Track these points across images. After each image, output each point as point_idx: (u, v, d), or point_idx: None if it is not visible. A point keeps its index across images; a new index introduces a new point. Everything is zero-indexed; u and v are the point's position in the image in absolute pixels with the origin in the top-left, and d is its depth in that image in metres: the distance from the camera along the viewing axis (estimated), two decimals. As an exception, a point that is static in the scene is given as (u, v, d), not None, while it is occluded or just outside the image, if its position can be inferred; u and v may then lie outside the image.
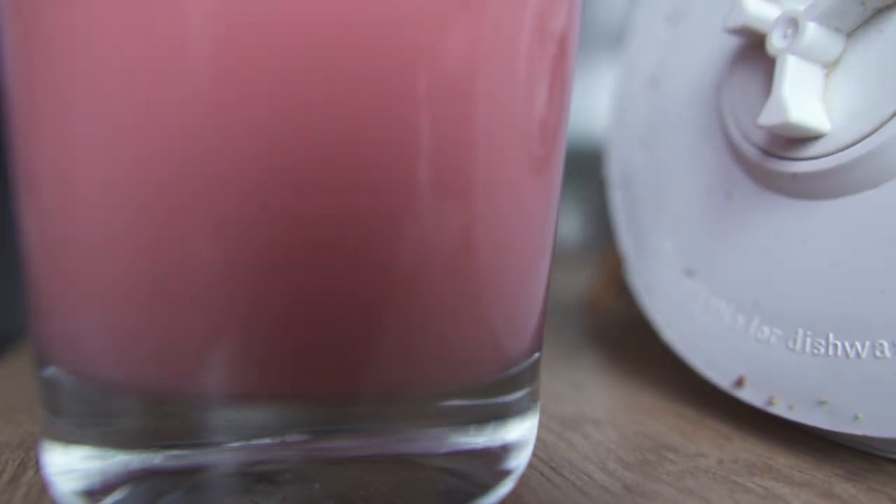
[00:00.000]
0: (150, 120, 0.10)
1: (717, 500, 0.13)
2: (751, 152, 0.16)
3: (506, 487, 0.12)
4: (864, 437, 0.14)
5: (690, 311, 0.17)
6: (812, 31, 0.14)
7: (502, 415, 0.12)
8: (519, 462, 0.12)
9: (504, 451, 0.12)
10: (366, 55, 0.10)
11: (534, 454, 0.15)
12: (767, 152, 0.16)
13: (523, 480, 0.13)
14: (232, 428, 0.10)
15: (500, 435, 0.12)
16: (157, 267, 0.10)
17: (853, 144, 0.14)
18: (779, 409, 0.15)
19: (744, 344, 0.16)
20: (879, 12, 0.14)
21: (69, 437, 0.11)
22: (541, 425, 0.16)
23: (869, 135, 0.14)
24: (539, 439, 0.15)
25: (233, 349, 0.10)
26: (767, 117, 0.15)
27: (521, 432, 0.12)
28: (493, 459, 0.12)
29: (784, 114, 0.14)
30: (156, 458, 0.10)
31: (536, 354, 0.13)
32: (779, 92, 0.15)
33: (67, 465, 0.11)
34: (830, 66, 0.15)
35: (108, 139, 0.10)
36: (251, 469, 0.10)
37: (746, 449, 0.15)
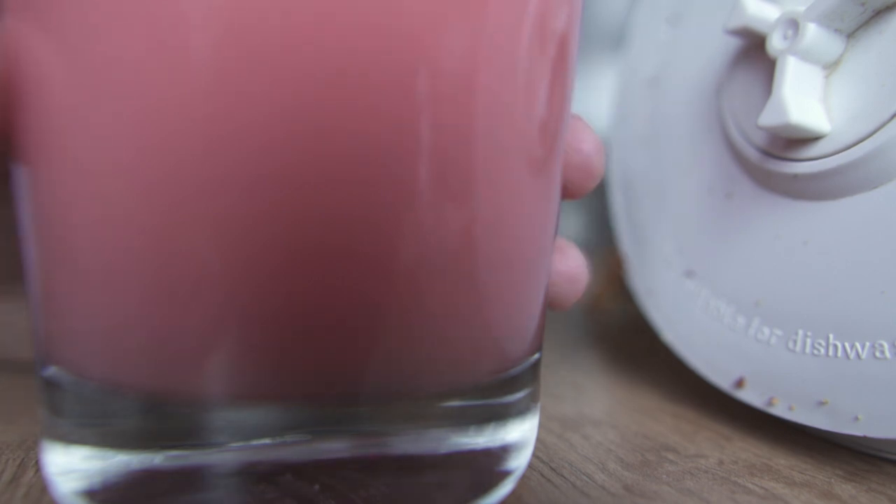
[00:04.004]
0: (150, 119, 0.10)
1: (717, 500, 0.13)
2: (751, 153, 0.16)
3: (506, 488, 0.12)
4: (864, 438, 0.14)
5: (691, 312, 0.17)
6: (812, 33, 0.14)
7: (502, 415, 0.12)
8: (519, 463, 0.12)
9: (504, 451, 0.12)
10: (366, 55, 0.10)
11: (534, 455, 0.15)
12: (768, 153, 0.16)
13: (523, 481, 0.13)
14: (232, 428, 0.10)
15: (500, 435, 0.12)
16: (158, 267, 0.10)
17: (853, 145, 0.14)
18: (779, 410, 0.15)
19: (744, 345, 0.16)
20: (879, 13, 0.14)
21: (69, 437, 0.11)
22: (541, 426, 0.16)
23: (869, 136, 0.14)
24: (539, 440, 0.15)
25: (233, 350, 0.10)
26: (768, 118, 0.15)
27: (521, 433, 0.12)
28: (494, 460, 0.12)
29: (784, 115, 0.14)
30: (156, 458, 0.10)
31: (536, 355, 0.13)
32: (779, 93, 0.15)
33: (68, 465, 0.11)
34: (831, 67, 0.15)
35: (108, 139, 0.10)
36: (251, 469, 0.10)
37: (746, 450, 0.15)
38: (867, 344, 0.14)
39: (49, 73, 0.10)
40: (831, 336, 0.14)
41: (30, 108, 0.11)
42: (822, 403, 0.14)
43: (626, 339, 0.26)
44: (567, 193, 0.15)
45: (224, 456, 0.10)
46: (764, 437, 0.16)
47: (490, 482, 0.12)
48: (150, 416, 0.10)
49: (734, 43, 0.17)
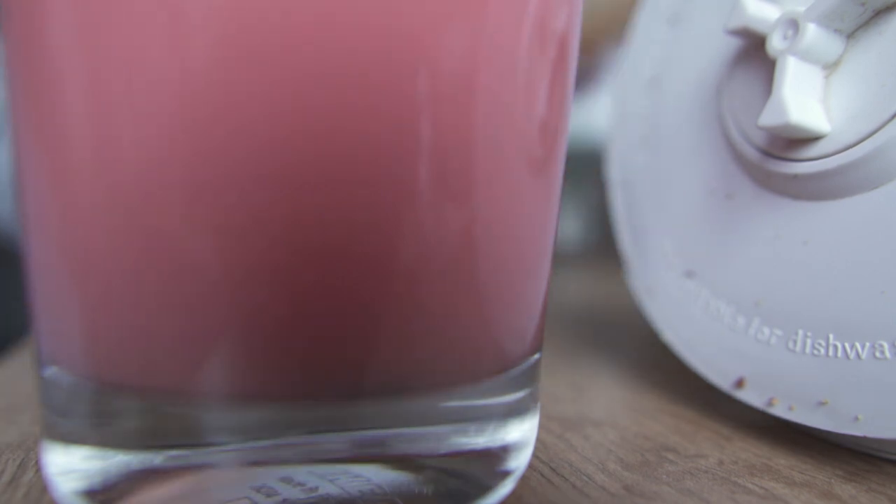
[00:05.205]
0: (149, 120, 0.10)
1: (717, 500, 0.13)
2: (751, 153, 0.16)
3: (506, 488, 0.12)
4: (865, 438, 0.14)
5: (690, 312, 0.17)
6: (812, 33, 0.14)
7: (502, 415, 0.12)
8: (519, 463, 0.12)
9: (504, 451, 0.12)
10: (366, 55, 0.10)
11: (534, 455, 0.15)
12: (768, 153, 0.16)
13: (523, 481, 0.13)
14: (232, 428, 0.10)
15: (500, 436, 0.12)
16: (158, 267, 0.10)
17: (853, 145, 0.14)
18: (779, 410, 0.15)
19: (744, 345, 0.16)
20: (879, 14, 0.14)
21: (69, 437, 0.11)
22: (541, 426, 0.16)
23: (869, 136, 0.14)
24: (539, 440, 0.15)
25: (233, 349, 0.10)
26: (768, 118, 0.15)
27: (521, 433, 0.12)
28: (494, 460, 0.12)
29: (784, 115, 0.14)
30: (156, 458, 0.10)
31: (537, 355, 0.13)
32: (779, 93, 0.15)
33: (68, 465, 0.11)
34: (830, 67, 0.15)
35: (107, 140, 0.10)
36: (251, 469, 0.10)
37: (746, 450, 0.15)
38: (867, 344, 0.14)
39: (48, 75, 0.10)
40: (831, 336, 0.14)
41: (29, 112, 0.11)
42: (822, 403, 0.14)
43: (626, 340, 0.26)
44: None
45: (224, 456, 0.10)
46: (764, 437, 0.16)
47: (490, 482, 0.12)
48: (150, 416, 0.10)
49: (734, 43, 0.17)
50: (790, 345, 0.15)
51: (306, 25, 0.09)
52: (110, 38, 0.10)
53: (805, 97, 0.15)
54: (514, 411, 0.12)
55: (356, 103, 0.10)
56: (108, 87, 0.10)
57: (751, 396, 0.16)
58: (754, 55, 0.16)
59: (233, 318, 0.10)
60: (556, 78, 0.12)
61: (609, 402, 0.19)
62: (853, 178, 0.14)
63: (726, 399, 0.17)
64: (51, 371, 0.11)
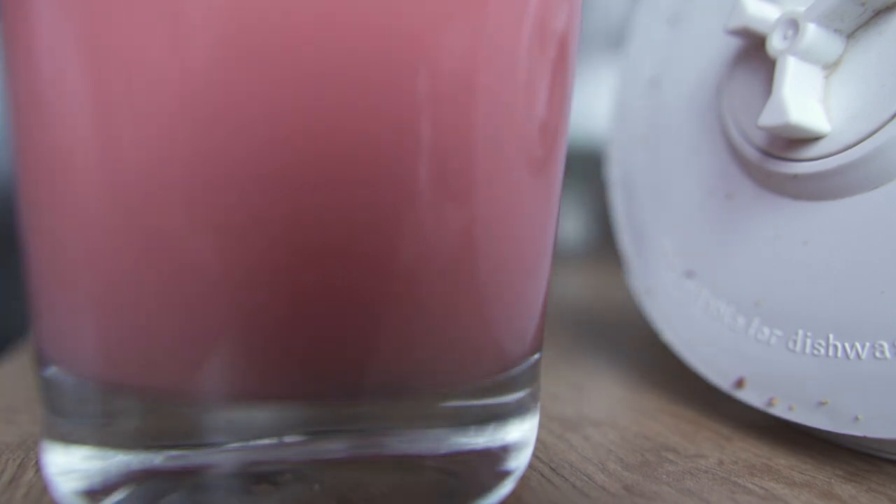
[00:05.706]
0: (150, 121, 0.10)
1: (717, 501, 0.13)
2: (751, 153, 0.16)
3: (506, 488, 0.12)
4: (865, 438, 0.14)
5: (690, 312, 0.17)
6: (812, 33, 0.14)
7: (502, 415, 0.12)
8: (519, 463, 0.12)
9: (504, 451, 0.12)
10: (366, 55, 0.10)
11: (534, 455, 0.15)
12: (768, 153, 0.16)
13: (523, 481, 0.13)
14: (232, 428, 0.10)
15: (500, 436, 0.12)
16: (158, 267, 0.10)
17: (853, 145, 0.14)
18: (779, 410, 0.15)
19: (744, 345, 0.16)
20: (879, 14, 0.14)
21: (69, 437, 0.11)
22: (541, 426, 0.16)
23: (869, 136, 0.14)
24: (539, 440, 0.15)
25: (233, 350, 0.10)
26: (768, 118, 0.15)
27: (521, 433, 0.12)
28: (494, 460, 0.12)
29: (784, 115, 0.14)
30: (156, 459, 0.10)
31: (537, 355, 0.13)
32: (779, 93, 0.15)
33: (68, 465, 0.11)
34: (830, 67, 0.15)
35: (108, 141, 0.10)
36: (251, 470, 0.10)
37: (746, 450, 0.15)
38: (867, 344, 0.14)
39: (47, 75, 0.10)
40: (831, 336, 0.14)
41: (28, 112, 0.11)
42: (822, 403, 0.14)
43: (626, 340, 0.26)
44: None
45: (224, 456, 0.10)
46: (764, 437, 0.16)
47: (490, 482, 0.12)
48: (150, 416, 0.10)
49: (734, 43, 0.17)
50: (790, 345, 0.15)
51: (306, 25, 0.09)
52: (110, 37, 0.10)
53: (805, 97, 0.15)
54: (514, 411, 0.12)
55: (356, 103, 0.10)
56: (108, 88, 0.10)
57: (751, 396, 0.16)
58: (754, 55, 0.16)
59: (233, 318, 0.10)
60: (556, 78, 0.12)
61: (609, 402, 0.19)
62: (853, 178, 0.14)
63: (726, 399, 0.17)
64: (51, 371, 0.11)
